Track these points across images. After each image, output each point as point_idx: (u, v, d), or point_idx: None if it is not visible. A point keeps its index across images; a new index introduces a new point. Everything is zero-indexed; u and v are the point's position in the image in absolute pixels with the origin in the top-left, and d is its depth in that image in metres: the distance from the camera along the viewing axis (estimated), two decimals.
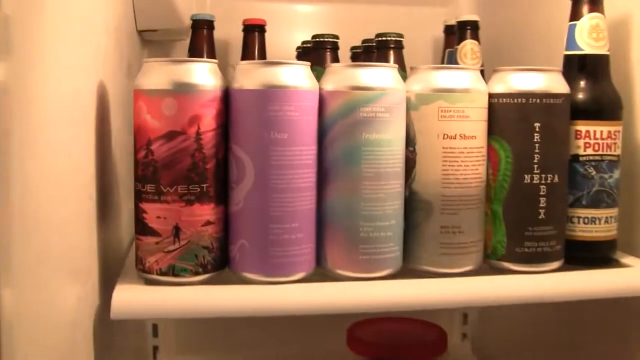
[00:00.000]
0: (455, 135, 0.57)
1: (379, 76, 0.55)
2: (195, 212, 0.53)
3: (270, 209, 0.53)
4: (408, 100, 0.57)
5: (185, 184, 0.52)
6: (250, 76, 0.53)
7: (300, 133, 0.53)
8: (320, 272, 0.56)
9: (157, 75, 0.52)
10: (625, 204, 0.64)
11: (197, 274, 0.53)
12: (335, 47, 0.75)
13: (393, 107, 0.55)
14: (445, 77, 0.57)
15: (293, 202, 0.53)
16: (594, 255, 0.61)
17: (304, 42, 0.85)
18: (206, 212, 0.53)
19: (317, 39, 0.75)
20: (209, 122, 0.53)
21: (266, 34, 0.82)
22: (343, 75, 0.55)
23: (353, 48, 0.86)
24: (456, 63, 0.82)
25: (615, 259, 0.62)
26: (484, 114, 0.58)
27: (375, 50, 0.75)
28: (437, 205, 0.57)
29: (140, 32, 0.83)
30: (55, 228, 0.43)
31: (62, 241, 0.44)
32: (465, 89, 0.57)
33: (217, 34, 0.81)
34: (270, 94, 0.52)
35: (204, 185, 0.53)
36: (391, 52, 0.73)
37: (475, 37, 0.82)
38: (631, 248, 0.64)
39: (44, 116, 0.40)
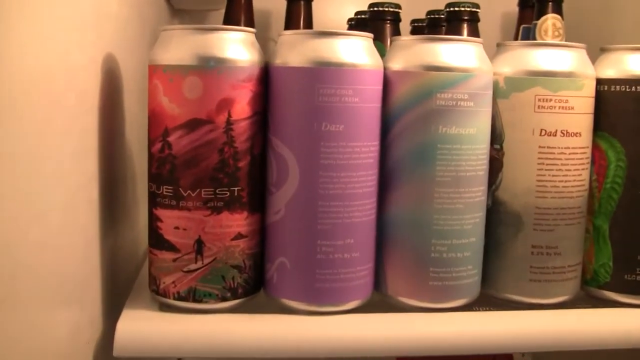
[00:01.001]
0: (556, 131, 0.45)
1: (462, 53, 0.43)
2: (224, 222, 0.42)
3: (319, 220, 0.42)
4: (495, 86, 0.45)
5: (211, 187, 0.41)
6: (296, 50, 0.42)
7: (360, 125, 0.42)
8: (379, 300, 0.46)
9: (177, 47, 0.41)
10: None
11: (224, 299, 0.43)
12: (397, 19, 0.63)
13: (479, 94, 0.43)
14: (545, 57, 0.45)
15: (348, 213, 0.42)
16: None
17: (357, 13, 0.74)
18: (237, 222, 0.42)
19: (375, 8, 0.63)
20: (242, 108, 0.41)
21: (313, 3, 0.71)
22: (415, 51, 0.43)
23: (414, 21, 0.74)
24: None
25: None
26: (591, 105, 0.46)
27: (444, 24, 0.63)
28: (529, 220, 0.45)
29: (168, 0, 0.73)
30: (30, 247, 0.32)
31: (41, 261, 0.34)
32: (570, 73, 0.45)
33: (257, 3, 0.72)
34: (323, 74, 0.41)
35: (235, 189, 0.42)
36: (465, 25, 0.61)
37: (558, 10, 0.70)
38: None
39: (17, 99, 0.29)
